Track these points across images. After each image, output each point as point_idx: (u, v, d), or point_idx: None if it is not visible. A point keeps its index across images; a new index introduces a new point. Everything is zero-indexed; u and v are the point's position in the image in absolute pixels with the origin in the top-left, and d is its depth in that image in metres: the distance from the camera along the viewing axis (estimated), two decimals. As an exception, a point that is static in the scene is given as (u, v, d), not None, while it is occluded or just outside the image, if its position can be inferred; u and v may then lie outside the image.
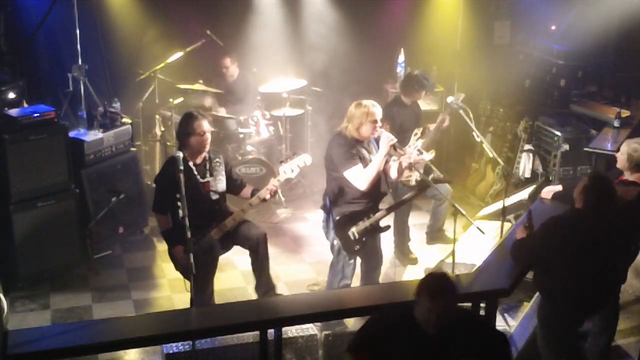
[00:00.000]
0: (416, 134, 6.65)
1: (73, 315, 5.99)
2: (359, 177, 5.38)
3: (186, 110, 7.73)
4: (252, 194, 5.49)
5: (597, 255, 4.52)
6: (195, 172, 5.39)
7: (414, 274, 6.74)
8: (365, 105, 5.40)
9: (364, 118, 5.37)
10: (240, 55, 8.07)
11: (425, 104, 8.17)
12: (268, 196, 5.38)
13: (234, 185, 5.61)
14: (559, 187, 5.80)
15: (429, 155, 6.46)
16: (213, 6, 8.24)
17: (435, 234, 7.29)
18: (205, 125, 5.36)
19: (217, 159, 5.52)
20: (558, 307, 4.60)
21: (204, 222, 5.36)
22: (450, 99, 6.75)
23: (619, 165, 5.40)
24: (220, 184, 5.49)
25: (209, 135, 5.38)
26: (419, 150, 6.31)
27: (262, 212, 7.68)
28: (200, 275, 5.33)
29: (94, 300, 6.21)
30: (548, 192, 5.79)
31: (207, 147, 5.41)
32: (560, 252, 4.50)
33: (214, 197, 5.45)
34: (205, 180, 5.42)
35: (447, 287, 3.57)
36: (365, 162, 5.44)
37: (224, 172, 5.52)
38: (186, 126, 5.37)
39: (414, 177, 6.54)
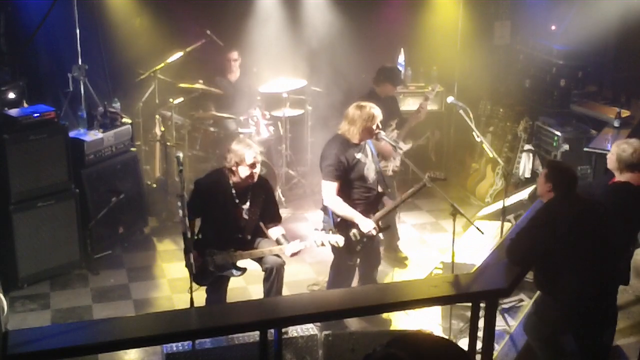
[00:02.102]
0: (391, 126, 6.67)
1: (73, 315, 5.99)
2: (331, 195, 5.41)
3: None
4: (278, 241, 5.35)
5: (585, 239, 4.50)
6: (235, 195, 5.30)
7: (413, 273, 6.73)
8: (369, 108, 5.40)
9: (368, 121, 5.38)
10: (240, 55, 8.07)
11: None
12: (289, 254, 5.27)
13: (267, 216, 5.45)
14: None
15: (405, 146, 6.50)
16: (213, 6, 8.24)
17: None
18: (256, 156, 5.21)
19: (262, 188, 5.39)
20: (556, 304, 4.60)
21: (225, 242, 5.30)
22: (450, 99, 6.74)
23: (609, 165, 5.40)
24: (254, 215, 5.37)
25: (257, 166, 5.24)
26: (395, 141, 6.35)
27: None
28: (206, 282, 5.38)
29: (94, 300, 6.21)
30: None
31: (255, 178, 5.27)
32: (549, 244, 4.50)
33: (242, 223, 5.36)
34: (242, 207, 5.32)
35: None
36: (359, 166, 5.46)
37: (262, 202, 5.39)
38: (234, 154, 5.22)
39: (391, 166, 6.57)
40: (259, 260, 5.41)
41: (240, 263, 5.38)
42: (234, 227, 5.34)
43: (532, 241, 4.59)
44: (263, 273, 5.41)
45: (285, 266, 5.39)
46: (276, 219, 5.50)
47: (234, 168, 5.24)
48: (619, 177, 5.30)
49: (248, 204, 5.33)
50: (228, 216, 5.30)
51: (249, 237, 5.41)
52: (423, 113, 6.86)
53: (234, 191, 5.31)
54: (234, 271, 5.38)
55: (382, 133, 5.50)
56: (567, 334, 4.77)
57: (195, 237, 5.37)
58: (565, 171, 4.70)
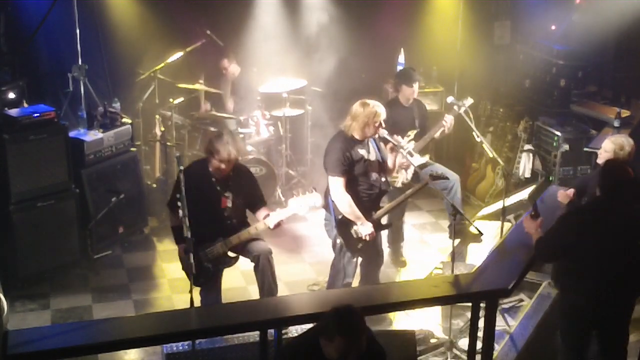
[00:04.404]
0: (409, 136, 6.62)
1: (73, 315, 5.99)
2: (339, 191, 5.40)
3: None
4: (264, 219, 5.38)
5: (612, 246, 4.43)
6: (216, 185, 5.36)
7: (413, 273, 6.73)
8: (372, 106, 5.41)
9: (370, 118, 5.39)
10: (240, 55, 8.06)
11: (426, 104, 8.16)
12: (272, 226, 5.29)
13: (252, 202, 5.51)
14: (571, 191, 5.73)
15: (420, 159, 6.40)
16: (213, 6, 8.24)
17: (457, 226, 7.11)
18: (230, 153, 5.26)
19: (242, 175, 5.45)
20: (572, 301, 4.59)
21: (213, 233, 5.35)
22: (450, 99, 6.74)
23: (600, 162, 5.37)
24: (238, 200, 5.42)
25: (229, 164, 5.28)
26: (409, 152, 6.28)
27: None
28: (204, 279, 5.40)
29: (94, 300, 6.21)
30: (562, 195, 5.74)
31: (224, 173, 5.33)
32: (577, 241, 4.46)
33: (227, 212, 5.40)
34: (224, 195, 5.36)
35: (363, 325, 3.46)
36: (362, 162, 5.46)
37: (245, 189, 5.45)
38: (211, 146, 5.30)
39: (401, 178, 6.50)
40: (247, 252, 5.44)
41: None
42: (219, 215, 5.37)
43: (557, 236, 4.57)
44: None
45: (272, 254, 5.42)
46: (262, 203, 5.54)
47: (209, 157, 5.32)
48: None
49: (230, 193, 5.38)
50: (212, 204, 5.33)
51: (235, 221, 5.43)
52: (447, 127, 6.57)
53: (214, 179, 5.36)
54: (227, 260, 5.42)
55: (385, 132, 5.49)
56: (588, 335, 4.76)
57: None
58: (615, 175, 4.55)
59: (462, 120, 6.54)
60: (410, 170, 6.39)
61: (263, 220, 5.34)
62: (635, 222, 4.53)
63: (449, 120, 6.57)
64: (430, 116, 7.17)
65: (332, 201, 5.49)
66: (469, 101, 6.60)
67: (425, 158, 6.65)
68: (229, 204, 5.39)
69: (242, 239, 5.37)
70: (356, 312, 3.52)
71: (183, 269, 5.49)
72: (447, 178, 6.13)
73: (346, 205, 5.40)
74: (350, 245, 5.54)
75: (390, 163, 5.69)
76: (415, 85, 6.69)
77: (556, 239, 4.59)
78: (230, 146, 5.30)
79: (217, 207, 5.37)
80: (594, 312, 4.55)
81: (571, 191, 5.67)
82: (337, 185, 5.41)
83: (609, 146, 5.31)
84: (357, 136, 5.45)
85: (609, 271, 4.45)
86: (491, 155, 6.29)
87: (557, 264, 4.78)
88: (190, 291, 4.54)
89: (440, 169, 6.56)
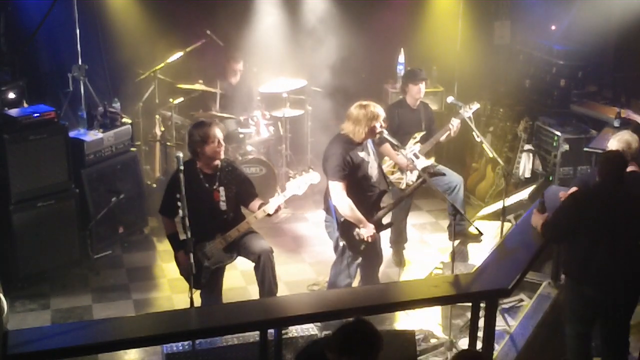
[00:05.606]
0: (415, 138, 6.61)
1: (73, 315, 6.00)
2: (340, 196, 5.38)
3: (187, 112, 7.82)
4: (260, 208, 5.36)
5: (617, 231, 4.60)
6: (205, 181, 5.33)
7: (413, 273, 6.74)
8: (372, 107, 5.38)
9: (372, 120, 5.36)
10: (242, 56, 8.07)
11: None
12: (272, 211, 5.27)
13: (245, 195, 5.47)
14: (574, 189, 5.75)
15: (425, 162, 6.38)
16: (213, 6, 8.24)
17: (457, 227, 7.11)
18: (219, 133, 5.29)
19: (230, 168, 5.44)
20: (580, 289, 4.69)
21: (211, 231, 5.32)
22: (450, 99, 6.74)
23: None
24: (230, 193, 5.40)
25: (222, 142, 5.31)
26: (415, 154, 6.26)
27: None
28: (205, 280, 5.39)
29: (94, 300, 6.22)
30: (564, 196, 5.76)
31: (221, 155, 5.34)
32: (583, 224, 4.63)
33: (223, 207, 5.36)
34: (215, 189, 5.34)
35: (379, 334, 3.39)
36: (364, 165, 5.44)
37: (235, 182, 5.43)
38: (199, 134, 5.28)
39: (405, 180, 6.50)
40: (248, 253, 5.42)
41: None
42: (215, 210, 5.35)
43: (562, 214, 4.77)
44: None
45: (273, 253, 5.39)
46: (255, 195, 5.50)
47: (198, 149, 5.28)
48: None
49: (221, 187, 5.35)
50: (206, 201, 5.31)
51: (232, 215, 5.40)
52: (453, 131, 6.59)
53: (202, 176, 5.33)
54: (228, 257, 5.40)
55: (385, 132, 5.48)
56: (593, 323, 4.84)
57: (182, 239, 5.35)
58: (610, 161, 4.81)
59: (463, 120, 6.54)
60: (415, 172, 6.40)
61: (262, 208, 5.29)
62: (627, 206, 4.67)
63: (455, 124, 6.59)
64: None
65: (334, 205, 5.48)
66: (476, 106, 6.64)
67: (431, 160, 6.63)
68: (223, 198, 5.35)
69: (241, 231, 5.34)
70: (368, 324, 3.44)
71: (181, 274, 5.47)
72: (443, 174, 6.12)
73: (348, 209, 5.39)
74: (354, 247, 5.53)
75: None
76: (422, 84, 6.70)
77: (562, 216, 4.77)
78: (217, 126, 5.33)
79: (212, 202, 5.34)
80: (602, 300, 4.66)
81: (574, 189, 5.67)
82: (337, 189, 5.39)
83: (615, 145, 5.33)
84: (358, 140, 5.42)
85: (616, 257, 4.58)
86: (491, 155, 6.28)
87: (566, 252, 4.90)
88: (190, 291, 4.54)
89: (443, 171, 6.56)
